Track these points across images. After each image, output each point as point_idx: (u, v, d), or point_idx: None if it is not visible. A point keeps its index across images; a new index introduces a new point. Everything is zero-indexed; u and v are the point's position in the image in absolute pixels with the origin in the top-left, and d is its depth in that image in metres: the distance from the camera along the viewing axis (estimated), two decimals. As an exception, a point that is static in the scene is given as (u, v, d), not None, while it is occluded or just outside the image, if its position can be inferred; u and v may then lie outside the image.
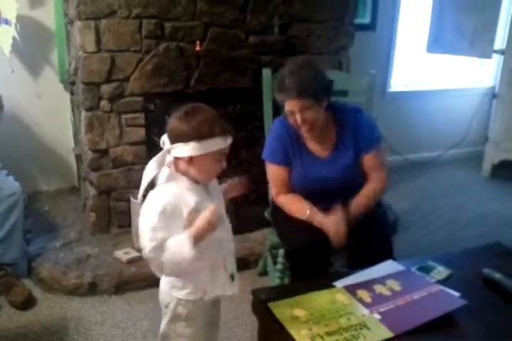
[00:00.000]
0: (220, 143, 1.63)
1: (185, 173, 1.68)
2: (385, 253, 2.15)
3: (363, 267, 1.96)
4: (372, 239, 2.28)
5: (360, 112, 2.42)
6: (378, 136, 2.44)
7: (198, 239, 1.60)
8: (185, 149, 1.61)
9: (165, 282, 1.80)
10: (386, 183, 2.45)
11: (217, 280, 1.76)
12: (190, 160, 1.63)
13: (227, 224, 1.82)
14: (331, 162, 2.38)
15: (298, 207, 2.36)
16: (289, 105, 2.23)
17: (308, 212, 2.31)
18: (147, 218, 1.62)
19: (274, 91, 2.30)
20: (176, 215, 1.62)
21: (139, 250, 2.98)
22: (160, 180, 1.70)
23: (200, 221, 1.60)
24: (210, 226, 1.61)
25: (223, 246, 1.76)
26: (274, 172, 2.45)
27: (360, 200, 2.36)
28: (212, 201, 1.71)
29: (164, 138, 1.68)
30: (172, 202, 1.62)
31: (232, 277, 1.80)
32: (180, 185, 1.67)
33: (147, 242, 1.61)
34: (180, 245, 1.59)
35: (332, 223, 2.24)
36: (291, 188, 2.43)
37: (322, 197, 2.35)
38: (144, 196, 1.69)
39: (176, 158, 1.66)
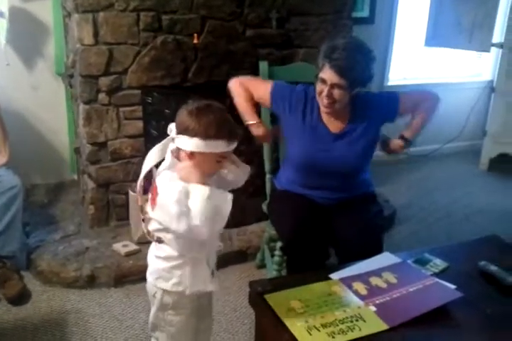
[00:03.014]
0: (223, 147, 1.64)
1: None
2: (374, 251, 2.12)
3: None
4: (362, 236, 2.27)
5: (368, 92, 2.48)
6: (393, 92, 2.50)
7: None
8: (189, 143, 1.62)
9: (151, 273, 1.82)
10: (435, 101, 2.52)
11: (199, 276, 1.77)
12: (191, 154, 1.64)
13: None
14: (340, 137, 2.39)
15: (241, 102, 2.48)
16: (326, 74, 2.23)
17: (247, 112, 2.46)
18: (172, 202, 1.59)
19: (320, 54, 2.28)
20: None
21: (138, 243, 3.01)
22: (161, 167, 1.71)
23: None
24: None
25: (209, 242, 1.76)
26: (263, 88, 2.49)
27: (417, 119, 2.48)
28: None
29: (172, 126, 1.68)
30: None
31: (212, 273, 1.82)
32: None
33: (197, 219, 1.56)
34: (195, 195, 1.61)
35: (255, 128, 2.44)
36: (291, 159, 2.48)
37: (320, 173, 2.40)
38: (144, 184, 1.70)
39: (179, 149, 1.67)
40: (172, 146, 1.69)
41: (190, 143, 1.62)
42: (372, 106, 2.42)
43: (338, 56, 2.19)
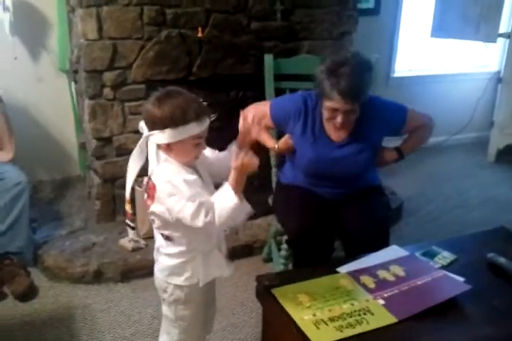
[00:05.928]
0: (196, 129, 1.60)
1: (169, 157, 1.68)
2: (380, 243, 2.11)
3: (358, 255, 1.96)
4: (369, 229, 2.26)
5: (377, 99, 2.38)
6: (402, 107, 2.44)
7: (238, 184, 1.61)
8: (162, 136, 1.60)
9: (160, 270, 1.81)
10: (429, 131, 2.56)
11: (212, 263, 1.77)
12: (168, 146, 1.63)
13: None
14: (344, 146, 2.34)
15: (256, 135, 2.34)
16: (336, 104, 2.14)
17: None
18: (175, 195, 1.59)
19: (321, 77, 2.15)
20: (194, 182, 1.63)
21: (144, 237, 3.00)
22: (154, 164, 1.69)
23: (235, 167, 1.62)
24: (246, 168, 1.61)
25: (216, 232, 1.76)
26: (264, 115, 2.41)
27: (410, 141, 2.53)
28: (202, 182, 1.72)
29: (142, 124, 1.66)
30: (184, 174, 1.64)
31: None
32: (173, 166, 1.67)
33: (196, 213, 1.57)
34: (224, 197, 1.60)
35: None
36: (296, 163, 2.44)
37: (327, 178, 2.37)
38: (133, 188, 1.69)
39: (158, 145, 1.66)
40: (151, 144, 1.67)
41: (164, 136, 1.60)
42: (379, 116, 2.34)
43: (345, 85, 2.08)
